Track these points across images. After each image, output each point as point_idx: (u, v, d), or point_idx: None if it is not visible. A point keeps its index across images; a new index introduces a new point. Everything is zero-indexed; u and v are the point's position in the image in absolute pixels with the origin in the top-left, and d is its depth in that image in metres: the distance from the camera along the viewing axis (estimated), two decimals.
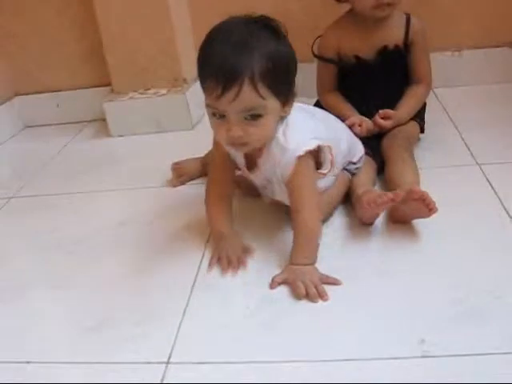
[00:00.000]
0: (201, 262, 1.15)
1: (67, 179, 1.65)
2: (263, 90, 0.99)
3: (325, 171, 1.15)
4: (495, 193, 1.25)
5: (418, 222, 1.16)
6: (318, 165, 1.15)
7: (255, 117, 1.01)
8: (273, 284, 1.05)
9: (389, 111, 1.41)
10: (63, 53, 2.07)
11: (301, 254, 1.08)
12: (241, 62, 0.97)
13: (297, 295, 1.01)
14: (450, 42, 1.96)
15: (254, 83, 0.97)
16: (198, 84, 1.88)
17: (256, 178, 1.20)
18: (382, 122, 1.41)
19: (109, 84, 1.99)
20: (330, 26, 1.51)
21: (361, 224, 1.19)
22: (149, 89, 1.92)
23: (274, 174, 1.13)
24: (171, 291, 1.07)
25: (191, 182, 1.51)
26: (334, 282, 1.03)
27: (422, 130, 1.54)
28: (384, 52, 1.44)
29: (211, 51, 1.02)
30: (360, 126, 1.37)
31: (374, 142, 1.41)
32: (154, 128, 1.91)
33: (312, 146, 1.09)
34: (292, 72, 1.07)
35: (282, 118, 1.09)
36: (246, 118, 1.01)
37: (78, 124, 2.11)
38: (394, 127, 1.44)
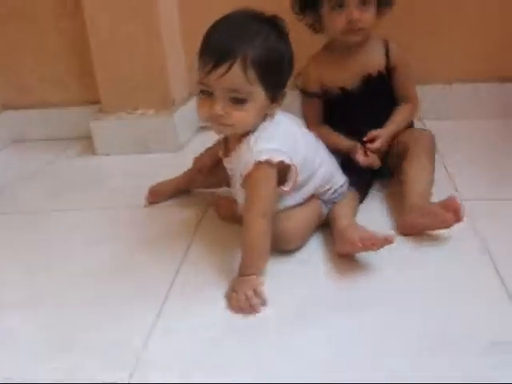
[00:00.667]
0: (169, 290, 1.12)
1: (48, 197, 1.63)
2: (252, 76, 1.03)
3: (286, 188, 1.15)
4: (475, 230, 1.23)
5: (400, 256, 1.15)
6: (283, 181, 1.15)
7: (239, 100, 1.05)
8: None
9: (372, 132, 1.39)
10: (53, 69, 2.06)
11: (243, 263, 1.09)
12: (237, 43, 1.02)
13: (230, 308, 1.03)
14: (441, 75, 1.95)
15: (245, 66, 1.02)
16: (187, 106, 1.95)
17: (227, 165, 1.22)
18: (370, 146, 1.38)
19: (98, 102, 1.97)
20: (309, 60, 1.48)
21: (338, 256, 1.17)
22: (137, 109, 1.90)
23: (238, 169, 1.14)
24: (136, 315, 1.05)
25: (167, 203, 1.51)
26: (263, 302, 1.03)
27: None
28: (368, 80, 1.43)
29: (213, 31, 1.08)
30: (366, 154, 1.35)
31: (362, 174, 1.39)
32: (141, 148, 1.89)
33: (275, 158, 1.09)
34: (285, 70, 1.11)
35: (266, 117, 1.12)
36: (230, 100, 1.04)
37: (65, 141, 2.10)
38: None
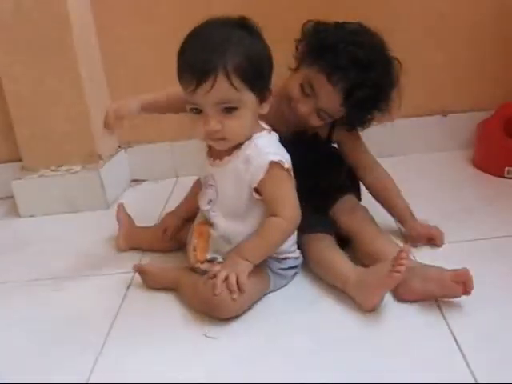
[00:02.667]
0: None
1: None
2: (237, 83, 1.02)
3: None
4: None
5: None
6: None
7: (231, 109, 1.04)
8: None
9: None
10: None
11: (248, 245, 1.11)
12: (215, 56, 1.01)
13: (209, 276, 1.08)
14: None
15: (228, 75, 1.01)
16: (113, 160, 1.83)
17: (214, 170, 1.17)
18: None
19: (19, 160, 1.83)
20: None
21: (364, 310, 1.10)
22: (61, 165, 1.78)
23: (238, 174, 1.11)
24: None
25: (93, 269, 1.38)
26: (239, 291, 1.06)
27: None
28: (300, 134, 1.32)
29: (186, 48, 1.06)
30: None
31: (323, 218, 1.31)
32: (67, 208, 1.76)
33: (285, 164, 1.09)
34: (266, 67, 1.10)
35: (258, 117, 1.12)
36: (222, 111, 1.04)
37: None
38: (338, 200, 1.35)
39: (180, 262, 1.31)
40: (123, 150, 1.91)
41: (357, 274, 1.11)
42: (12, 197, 1.82)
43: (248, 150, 1.10)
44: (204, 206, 1.20)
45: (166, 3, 1.77)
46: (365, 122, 1.29)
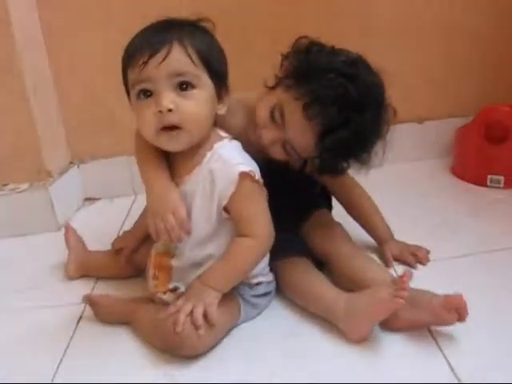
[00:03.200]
0: None
1: None
2: (195, 56, 0.91)
3: None
4: None
5: None
6: None
7: (187, 86, 0.91)
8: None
9: None
10: None
11: (214, 272, 0.97)
12: (169, 33, 0.91)
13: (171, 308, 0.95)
14: None
15: (185, 47, 0.90)
16: (64, 177, 1.66)
17: (186, 187, 0.99)
18: None
19: None
20: None
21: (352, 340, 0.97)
22: (7, 184, 1.61)
23: (203, 193, 0.97)
24: None
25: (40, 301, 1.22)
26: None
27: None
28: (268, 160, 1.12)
29: (135, 37, 0.95)
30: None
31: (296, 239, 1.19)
32: (13, 230, 1.59)
33: (256, 175, 0.95)
34: (224, 63, 0.99)
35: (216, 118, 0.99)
36: (176, 88, 0.91)
37: None
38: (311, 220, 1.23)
39: (137, 291, 1.17)
40: (76, 166, 1.75)
41: (345, 301, 0.98)
42: None
43: (211, 163, 0.96)
44: None
45: (117, 10, 1.63)
46: (337, 170, 1.07)
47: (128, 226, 1.37)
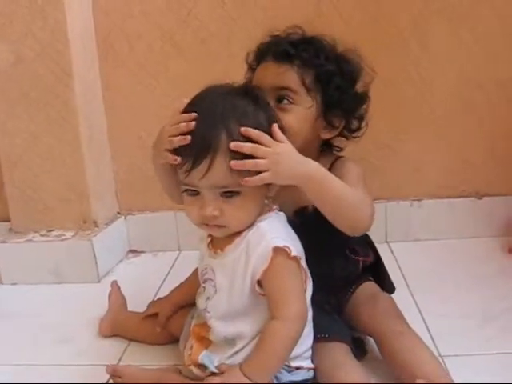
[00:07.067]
0: None
1: None
2: None
3: None
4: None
5: None
6: None
7: (231, 194, 0.89)
8: None
9: None
10: None
11: (248, 361, 0.90)
12: (213, 134, 0.87)
13: None
14: (409, 191, 1.72)
15: (226, 158, 0.85)
16: (110, 228, 1.66)
17: (213, 262, 0.98)
18: None
19: (8, 220, 1.68)
20: None
21: None
22: (52, 230, 1.61)
23: (238, 266, 0.93)
24: None
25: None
26: None
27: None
28: (302, 213, 1.11)
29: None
30: None
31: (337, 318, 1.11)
32: (53, 278, 1.59)
33: (292, 251, 0.90)
34: None
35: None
36: (221, 195, 0.89)
37: None
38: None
39: (169, 359, 1.13)
40: (122, 217, 1.74)
41: None
42: None
43: (249, 235, 0.93)
44: (201, 304, 1.01)
45: (174, 67, 1.65)
46: (342, 103, 1.09)
47: (170, 282, 1.33)
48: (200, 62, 1.61)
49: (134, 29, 1.63)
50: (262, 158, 0.87)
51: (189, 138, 0.88)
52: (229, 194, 0.89)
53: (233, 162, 0.85)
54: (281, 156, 0.89)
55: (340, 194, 0.95)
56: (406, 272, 1.49)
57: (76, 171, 1.57)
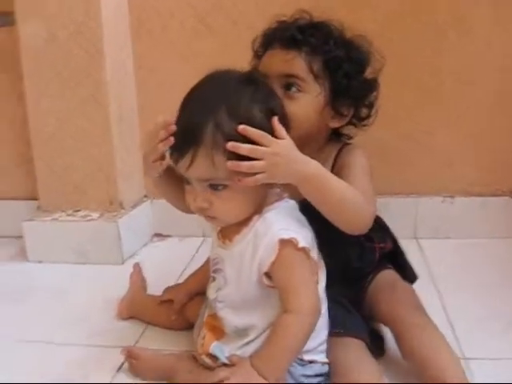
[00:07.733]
0: None
1: None
2: (221, 162, 0.83)
3: None
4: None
5: None
6: None
7: (219, 187, 0.86)
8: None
9: None
10: None
11: (260, 353, 0.87)
12: (199, 124, 0.83)
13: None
14: (441, 187, 1.68)
15: (211, 151, 0.82)
16: (136, 210, 1.65)
17: (223, 253, 0.96)
18: None
19: (36, 199, 1.69)
20: None
21: None
22: (79, 210, 1.62)
23: (246, 256, 0.90)
24: None
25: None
26: None
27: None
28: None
29: (181, 109, 0.90)
30: None
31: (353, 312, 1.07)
32: (78, 258, 1.59)
33: (300, 243, 0.86)
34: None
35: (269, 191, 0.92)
36: (209, 187, 0.86)
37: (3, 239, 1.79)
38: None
39: (185, 345, 1.12)
40: (149, 201, 1.74)
41: None
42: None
43: (257, 225, 0.90)
44: (211, 294, 0.99)
45: (204, 43, 1.63)
46: (350, 90, 1.05)
47: (193, 268, 1.31)
48: (231, 43, 1.59)
49: (166, 7, 1.62)
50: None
51: (172, 139, 0.87)
52: (216, 187, 0.87)
53: (229, 163, 0.82)
54: (279, 156, 0.84)
55: (339, 197, 0.91)
56: (433, 269, 1.45)
57: (105, 152, 1.57)
